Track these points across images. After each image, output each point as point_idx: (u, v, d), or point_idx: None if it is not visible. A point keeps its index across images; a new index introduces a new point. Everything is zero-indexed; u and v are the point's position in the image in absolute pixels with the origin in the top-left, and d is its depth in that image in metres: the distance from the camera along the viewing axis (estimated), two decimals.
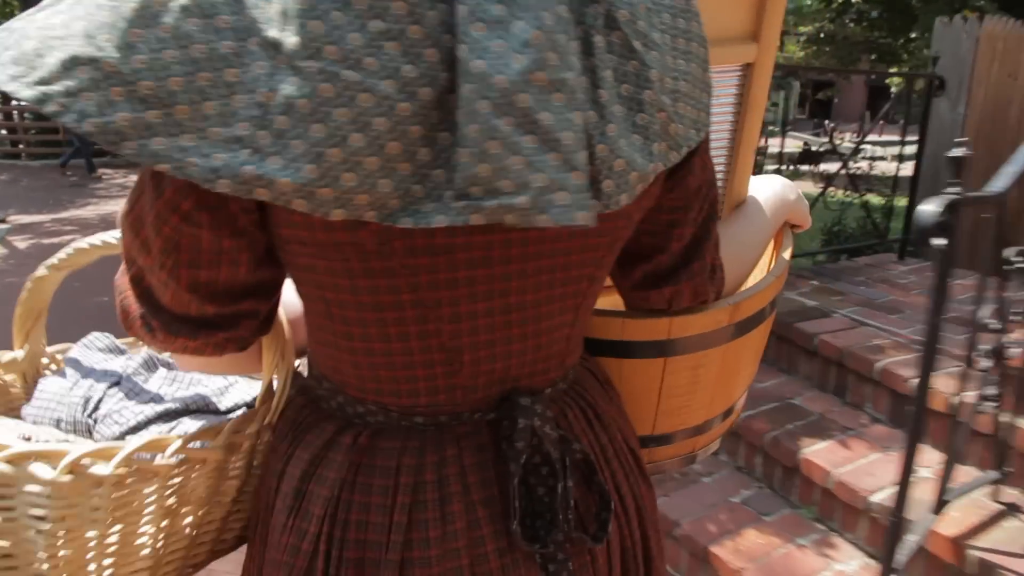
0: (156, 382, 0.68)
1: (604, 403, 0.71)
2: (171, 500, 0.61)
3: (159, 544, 0.62)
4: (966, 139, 1.66)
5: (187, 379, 0.69)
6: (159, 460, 0.58)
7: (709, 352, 0.78)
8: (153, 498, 0.59)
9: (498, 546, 0.58)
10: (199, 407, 0.66)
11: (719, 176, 0.84)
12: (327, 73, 0.42)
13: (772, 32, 0.72)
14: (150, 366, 0.70)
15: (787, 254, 0.84)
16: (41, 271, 0.69)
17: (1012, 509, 1.91)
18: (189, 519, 0.64)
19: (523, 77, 0.43)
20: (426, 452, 0.59)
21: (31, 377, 0.75)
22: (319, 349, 0.62)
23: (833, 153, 4.62)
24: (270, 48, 0.42)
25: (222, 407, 0.67)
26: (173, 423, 0.65)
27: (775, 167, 4.76)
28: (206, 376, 0.70)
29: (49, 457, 0.54)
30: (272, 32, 0.42)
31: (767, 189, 0.87)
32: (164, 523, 0.62)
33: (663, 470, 0.92)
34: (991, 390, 1.81)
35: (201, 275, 0.53)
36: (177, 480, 0.60)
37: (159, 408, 0.64)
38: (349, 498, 0.58)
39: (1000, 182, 1.70)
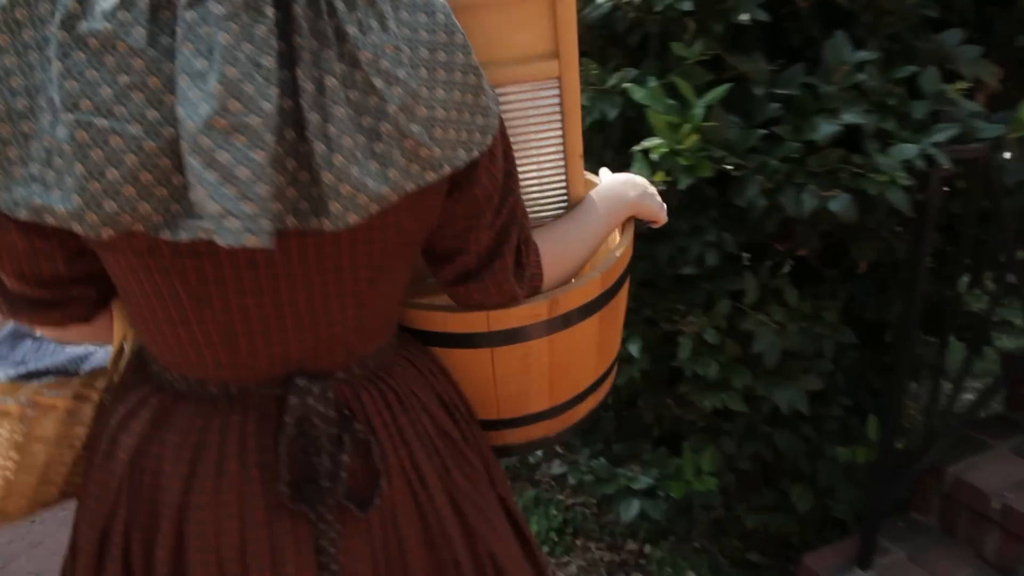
0: (21, 351, 0.80)
1: (417, 388, 0.79)
2: (20, 436, 0.76)
3: (8, 472, 0.77)
4: None
5: (51, 348, 0.81)
6: (11, 403, 0.75)
7: (534, 343, 0.85)
8: (4, 433, 0.75)
9: (267, 502, 0.70)
10: (60, 371, 0.78)
11: (560, 179, 0.90)
12: (82, 123, 0.53)
13: (569, 48, 0.78)
14: (16, 336, 0.82)
15: (619, 251, 0.90)
16: None
17: None
18: (40, 455, 0.78)
19: (204, 123, 0.52)
20: (214, 417, 0.71)
21: None
22: (134, 325, 0.73)
23: None
24: (51, 103, 0.54)
25: (82, 372, 0.79)
26: (36, 383, 0.77)
27: None
28: (69, 347, 0.82)
29: None
30: (51, 90, 0.54)
31: (607, 188, 0.92)
32: (13, 454, 0.76)
33: (525, 452, 1.00)
34: None
35: (24, 269, 0.65)
36: (29, 419, 0.76)
37: (22, 370, 0.76)
38: (148, 448, 0.71)
39: None
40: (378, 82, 0.58)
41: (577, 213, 0.88)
